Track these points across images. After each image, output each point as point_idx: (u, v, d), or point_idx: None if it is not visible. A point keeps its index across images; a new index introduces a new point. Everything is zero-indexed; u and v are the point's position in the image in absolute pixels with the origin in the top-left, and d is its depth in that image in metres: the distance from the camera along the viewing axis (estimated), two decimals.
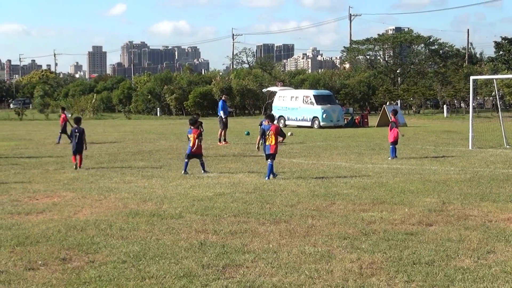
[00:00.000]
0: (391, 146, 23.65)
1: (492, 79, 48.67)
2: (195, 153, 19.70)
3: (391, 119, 24.82)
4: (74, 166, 20.94)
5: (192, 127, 19.85)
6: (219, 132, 31.98)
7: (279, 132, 18.67)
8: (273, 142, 18.32)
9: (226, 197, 14.76)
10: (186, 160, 19.71)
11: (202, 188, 16.32)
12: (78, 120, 22.04)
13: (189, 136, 19.87)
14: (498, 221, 11.97)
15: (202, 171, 19.63)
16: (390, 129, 23.85)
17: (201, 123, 21.67)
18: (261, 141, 18.69)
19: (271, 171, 18.30)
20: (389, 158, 23.34)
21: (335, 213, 12.77)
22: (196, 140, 19.54)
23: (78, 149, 21.19)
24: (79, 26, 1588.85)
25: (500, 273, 8.51)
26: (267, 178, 18.09)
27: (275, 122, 19.76)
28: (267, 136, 18.39)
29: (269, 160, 18.30)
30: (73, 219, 12.44)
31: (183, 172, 19.44)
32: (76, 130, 21.46)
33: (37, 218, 12.55)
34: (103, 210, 13.40)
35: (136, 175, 19.11)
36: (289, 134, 36.91)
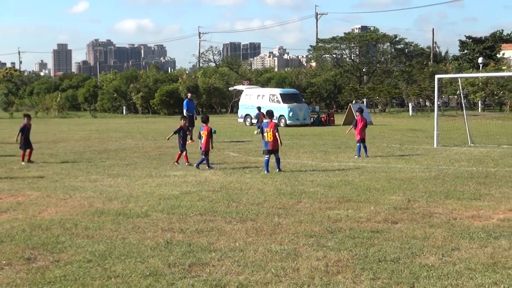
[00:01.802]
0: (357, 144, 23.77)
1: (457, 77, 49.11)
2: (205, 149, 20.31)
3: (356, 116, 24.93)
4: (25, 162, 21.74)
5: (204, 124, 20.65)
6: None
7: (277, 129, 19.49)
8: (272, 138, 19.13)
9: (193, 196, 14.74)
10: (203, 157, 20.33)
11: (168, 186, 16.27)
12: (28, 117, 23.21)
13: (201, 133, 20.47)
14: (462, 218, 12.08)
15: (207, 167, 20.10)
16: (354, 127, 23.98)
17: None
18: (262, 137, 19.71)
19: (279, 163, 19.43)
20: (355, 156, 23.45)
21: (301, 212, 12.80)
22: (208, 138, 20.28)
23: (28, 145, 22.16)
24: (42, 23, 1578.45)
25: (465, 270, 8.58)
26: (277, 169, 19.21)
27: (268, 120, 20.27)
28: (266, 133, 19.24)
29: (275, 155, 19.30)
30: (38, 218, 12.33)
31: (207, 168, 20.04)
32: (26, 127, 22.49)
33: (1, 218, 12.42)
34: (68, 209, 13.31)
35: (102, 174, 19.01)
36: (255, 132, 36.93)
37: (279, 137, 19.33)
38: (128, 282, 8.18)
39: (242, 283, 8.10)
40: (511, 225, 11.39)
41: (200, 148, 20.44)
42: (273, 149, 19.28)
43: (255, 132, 38.09)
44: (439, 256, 9.32)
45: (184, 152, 21.38)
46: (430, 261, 9.06)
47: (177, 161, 21.42)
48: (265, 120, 20.12)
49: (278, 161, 19.45)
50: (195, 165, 20.14)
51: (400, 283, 8.06)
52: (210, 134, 20.41)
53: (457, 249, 9.71)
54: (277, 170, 19.22)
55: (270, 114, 20.36)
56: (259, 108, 42.47)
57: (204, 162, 20.10)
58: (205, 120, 20.99)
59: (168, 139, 23.74)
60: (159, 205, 13.58)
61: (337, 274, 8.46)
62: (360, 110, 25.48)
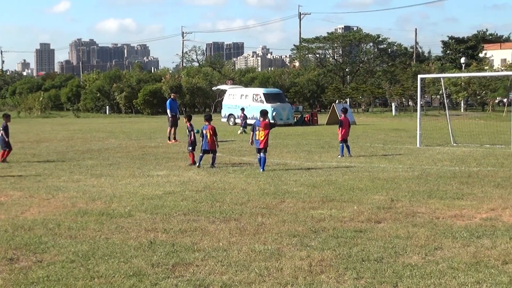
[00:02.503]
0: (340, 144, 23.82)
1: (440, 77, 49.27)
2: (211, 149, 20.41)
3: (340, 117, 24.97)
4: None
5: (207, 123, 20.59)
6: (168, 130, 31.93)
7: (268, 128, 19.96)
8: (262, 137, 19.52)
9: (176, 196, 14.72)
10: (200, 155, 20.50)
11: (151, 186, 16.25)
12: (6, 117, 23.62)
13: (204, 132, 20.42)
14: (445, 218, 12.13)
15: (210, 165, 20.24)
16: (339, 127, 24.02)
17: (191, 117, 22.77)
18: (252, 136, 19.94)
19: (264, 163, 19.53)
20: (339, 156, 23.50)
21: (285, 211, 12.81)
22: (213, 136, 20.35)
23: (7, 145, 22.46)
24: (22, 23, 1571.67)
25: (447, 269, 8.62)
26: (261, 169, 19.26)
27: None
28: (257, 131, 19.59)
29: (261, 154, 19.52)
30: (21, 218, 12.29)
31: (197, 165, 20.18)
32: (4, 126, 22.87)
33: None
34: (51, 209, 13.26)
35: (85, 174, 18.95)
36: (238, 132, 36.98)
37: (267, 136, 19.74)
38: (112, 283, 8.16)
39: (225, 283, 8.10)
40: (493, 225, 11.45)
41: (205, 148, 20.37)
42: (262, 148, 19.54)
43: (239, 132, 38.24)
44: (422, 255, 9.35)
45: (193, 152, 21.29)
46: (413, 260, 9.10)
47: (192, 162, 21.09)
48: (260, 119, 20.22)
49: (264, 160, 19.55)
50: (210, 165, 20.14)
51: (383, 283, 8.09)
52: (214, 132, 20.47)
53: (440, 249, 9.75)
54: (261, 170, 19.26)
55: (264, 113, 20.49)
56: (242, 109, 42.61)
57: (198, 160, 20.36)
58: (208, 119, 20.92)
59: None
60: (142, 205, 13.56)
61: (321, 274, 8.48)
62: (345, 110, 25.49)
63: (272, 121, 20.82)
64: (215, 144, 20.48)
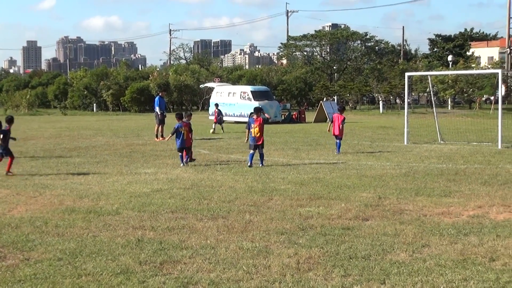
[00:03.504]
0: (338, 141, 24.03)
1: (427, 75, 49.38)
2: (187, 146, 20.51)
3: (339, 115, 24.89)
4: None
5: (180, 121, 20.49)
6: (156, 128, 31.93)
7: (263, 125, 20.49)
8: (258, 133, 20.01)
9: (164, 193, 14.70)
10: (180, 154, 20.41)
11: (139, 184, 16.22)
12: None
13: (180, 130, 20.31)
14: (432, 215, 12.16)
15: (186, 161, 20.42)
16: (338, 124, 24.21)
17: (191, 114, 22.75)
18: (248, 134, 20.35)
19: (262, 158, 20.18)
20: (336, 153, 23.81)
21: (272, 209, 12.82)
22: (189, 133, 20.53)
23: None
24: (7, 20, 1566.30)
25: (435, 267, 8.65)
26: (260, 164, 19.93)
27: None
28: (252, 128, 19.99)
29: (256, 150, 19.98)
30: (8, 216, 12.24)
31: (182, 165, 20.16)
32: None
33: None
34: (39, 207, 13.22)
35: (72, 172, 18.89)
36: (210, 131, 36.51)
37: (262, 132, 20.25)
38: (99, 280, 8.14)
39: (213, 281, 8.10)
40: (480, 222, 11.49)
41: (182, 146, 20.28)
42: (259, 144, 19.98)
43: (211, 131, 37.00)
44: (409, 252, 9.38)
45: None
46: (401, 257, 9.12)
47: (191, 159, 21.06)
48: (253, 117, 20.37)
49: (262, 156, 20.15)
50: (260, 164, 20.06)
51: (371, 280, 8.10)
52: (190, 129, 20.59)
53: (427, 246, 9.78)
54: (261, 165, 19.85)
55: (257, 110, 20.83)
56: (216, 105, 41.42)
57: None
58: (180, 117, 20.83)
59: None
60: (130, 202, 13.54)
61: (308, 271, 8.48)
62: (342, 109, 25.78)
63: (265, 117, 20.87)
64: (191, 141, 20.67)
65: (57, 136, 34.43)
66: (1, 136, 18.58)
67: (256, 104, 47.02)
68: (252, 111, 22.83)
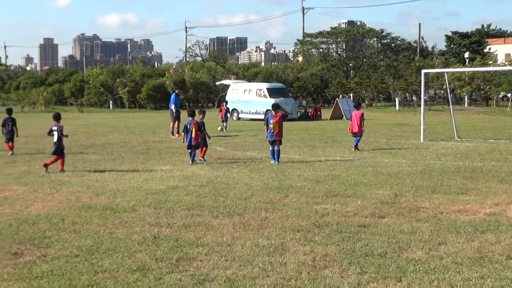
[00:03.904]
0: (357, 138, 24.37)
1: (443, 72, 49.20)
2: (195, 144, 20.33)
3: (357, 111, 25.10)
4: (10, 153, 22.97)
5: (190, 118, 20.51)
6: (171, 125, 32.00)
7: (282, 121, 20.74)
8: (277, 129, 20.23)
9: (180, 190, 14.72)
10: (190, 151, 20.32)
11: (155, 181, 16.25)
12: (9, 111, 24.60)
13: (188, 127, 20.33)
14: (449, 213, 12.12)
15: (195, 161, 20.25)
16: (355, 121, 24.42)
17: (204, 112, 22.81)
18: (267, 131, 20.55)
19: (278, 155, 20.30)
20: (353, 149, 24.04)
21: (288, 206, 12.81)
22: (197, 132, 20.35)
23: (11, 137, 23.46)
24: (24, 18, 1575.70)
25: (451, 264, 8.62)
26: (276, 161, 20.09)
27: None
28: (271, 125, 20.18)
29: (276, 146, 20.22)
30: (25, 213, 12.30)
31: (190, 163, 19.94)
32: (9, 120, 23.83)
33: None
34: (55, 204, 13.28)
35: (89, 169, 18.96)
36: (218, 129, 36.10)
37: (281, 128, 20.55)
38: (116, 277, 8.17)
39: (229, 278, 8.10)
40: (497, 220, 11.44)
41: (190, 143, 20.16)
42: (277, 139, 20.25)
43: (219, 128, 35.60)
44: (426, 250, 9.35)
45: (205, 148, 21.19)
46: (417, 255, 9.09)
47: (202, 157, 20.99)
48: (272, 113, 20.48)
49: (278, 152, 20.26)
50: (276, 161, 20.12)
51: (387, 277, 8.09)
52: (199, 127, 20.51)
53: (444, 244, 9.75)
54: (276, 162, 19.99)
55: (276, 107, 21.03)
56: (226, 102, 40.32)
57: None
58: (192, 114, 20.84)
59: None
60: (146, 199, 13.57)
61: (324, 269, 8.48)
62: (356, 105, 26.11)
63: (283, 112, 21.11)
64: (198, 140, 20.44)
65: (74, 133, 34.50)
66: (57, 133, 19.15)
67: (272, 101, 47.09)
68: (269, 108, 22.91)
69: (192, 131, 20.15)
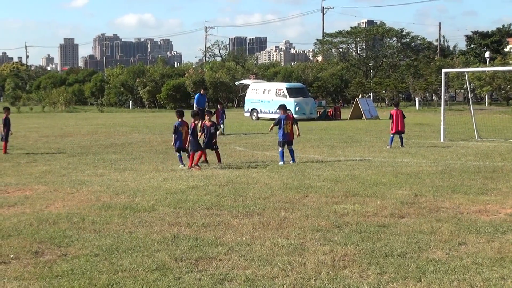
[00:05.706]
0: (391, 135, 25.19)
1: (464, 72, 48.97)
2: (184, 146, 19.69)
3: (397, 110, 25.58)
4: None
5: (180, 119, 19.79)
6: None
7: (296, 121, 21.07)
8: (290, 130, 20.36)
9: (199, 190, 14.74)
10: (178, 154, 19.76)
11: (175, 181, 16.28)
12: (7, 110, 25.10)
13: (179, 129, 19.79)
14: (469, 213, 12.06)
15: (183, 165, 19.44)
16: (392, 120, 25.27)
17: (211, 112, 22.76)
18: (274, 128, 21.13)
19: (293, 154, 20.20)
20: (387, 147, 24.71)
21: (308, 206, 12.80)
22: (188, 133, 19.65)
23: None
24: (42, 18, 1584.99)
25: (472, 265, 8.58)
26: (292, 161, 19.94)
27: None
28: (284, 125, 20.20)
29: (281, 148, 20.25)
30: (45, 212, 12.37)
31: (180, 166, 19.27)
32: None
33: (8, 212, 12.46)
34: (76, 203, 13.34)
35: (109, 168, 19.03)
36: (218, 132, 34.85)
37: (298, 129, 20.81)
38: (135, 276, 8.19)
39: (248, 277, 8.11)
40: None
41: (180, 146, 19.57)
42: (290, 140, 20.31)
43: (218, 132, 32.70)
44: (446, 250, 9.31)
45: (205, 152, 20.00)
46: (437, 255, 9.06)
47: (205, 159, 20.12)
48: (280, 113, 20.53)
49: (292, 152, 20.18)
50: (292, 161, 20.00)
51: (407, 278, 8.06)
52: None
53: (464, 244, 9.71)
54: (292, 162, 19.90)
55: (284, 107, 20.97)
56: (220, 104, 36.62)
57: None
58: (181, 114, 19.98)
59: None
60: (165, 199, 13.60)
61: (344, 269, 8.46)
62: (396, 103, 27.15)
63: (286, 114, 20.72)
64: (188, 143, 19.34)
65: (94, 133, 34.68)
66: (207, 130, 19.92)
67: (291, 101, 47.14)
68: (290, 108, 23.01)
69: (183, 133, 19.49)
